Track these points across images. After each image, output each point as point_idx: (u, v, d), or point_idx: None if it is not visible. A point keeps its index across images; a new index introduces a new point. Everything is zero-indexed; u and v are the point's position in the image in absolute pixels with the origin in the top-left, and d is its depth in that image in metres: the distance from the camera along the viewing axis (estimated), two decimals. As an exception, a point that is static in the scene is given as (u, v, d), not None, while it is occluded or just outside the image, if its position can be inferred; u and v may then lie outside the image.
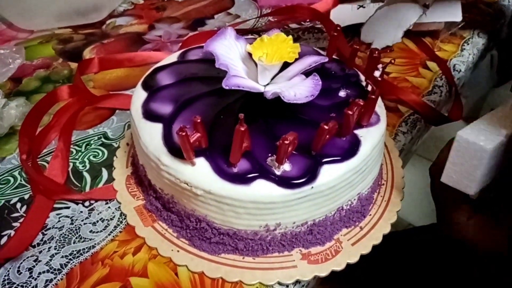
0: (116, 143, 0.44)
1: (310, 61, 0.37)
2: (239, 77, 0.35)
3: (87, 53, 0.57)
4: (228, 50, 0.37)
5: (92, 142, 0.44)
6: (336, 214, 0.35)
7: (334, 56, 0.43)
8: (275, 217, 0.32)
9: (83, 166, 0.42)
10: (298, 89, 0.34)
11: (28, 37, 0.60)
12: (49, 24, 0.62)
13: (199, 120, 0.30)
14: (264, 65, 0.35)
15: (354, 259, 0.35)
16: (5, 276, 0.33)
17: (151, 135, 0.34)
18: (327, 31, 0.62)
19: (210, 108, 0.36)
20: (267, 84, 0.37)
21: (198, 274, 0.33)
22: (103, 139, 0.45)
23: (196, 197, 0.32)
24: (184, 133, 0.29)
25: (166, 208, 0.36)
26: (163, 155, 0.33)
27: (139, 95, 0.38)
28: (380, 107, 0.38)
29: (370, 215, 0.38)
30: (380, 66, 0.37)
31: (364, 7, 0.63)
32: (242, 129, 0.29)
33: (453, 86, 0.54)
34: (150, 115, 0.36)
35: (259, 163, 0.32)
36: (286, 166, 0.32)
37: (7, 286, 0.32)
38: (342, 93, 0.39)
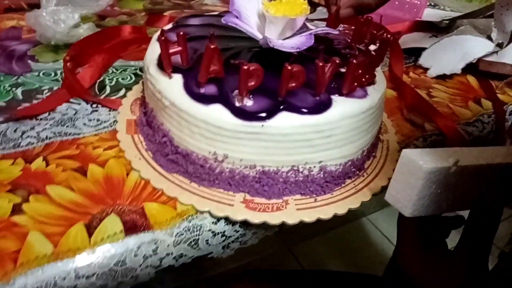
0: (145, 76, 0.49)
1: (319, 29, 0.38)
2: (240, 20, 0.37)
3: (166, 14, 0.65)
4: (247, 1, 0.40)
5: (128, 69, 0.50)
6: (290, 173, 0.35)
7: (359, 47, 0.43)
8: (223, 146, 0.33)
9: (110, 81, 0.48)
10: (289, 41, 0.35)
11: (130, -6, 0.71)
12: (152, -11, 0.72)
13: (181, 34, 0.33)
14: (270, 16, 0.37)
15: (291, 221, 0.33)
16: (2, 130, 0.39)
17: (154, 52, 0.38)
18: (390, 48, 0.61)
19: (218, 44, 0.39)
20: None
21: (144, 181, 0.36)
22: (138, 71, 0.50)
23: (164, 108, 0.35)
24: (163, 38, 0.33)
25: (147, 123, 0.39)
26: (152, 65, 0.37)
27: (167, 26, 0.43)
28: (375, 90, 0.36)
29: (332, 194, 0.36)
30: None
31: (437, 37, 0.61)
32: (212, 46, 0.31)
33: (501, 128, 0.49)
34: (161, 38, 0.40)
35: (225, 92, 0.33)
36: (249, 102, 0.33)
37: (1, 137, 0.38)
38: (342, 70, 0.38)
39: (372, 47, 0.38)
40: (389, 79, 0.55)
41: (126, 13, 0.64)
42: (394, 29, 0.64)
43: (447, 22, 0.65)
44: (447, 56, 0.56)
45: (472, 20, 0.64)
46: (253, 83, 0.32)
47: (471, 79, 0.57)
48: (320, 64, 0.31)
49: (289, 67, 0.31)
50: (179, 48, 0.34)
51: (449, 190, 0.31)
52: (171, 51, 0.33)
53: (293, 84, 0.32)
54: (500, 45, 0.56)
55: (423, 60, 0.58)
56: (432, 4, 0.83)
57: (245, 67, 0.30)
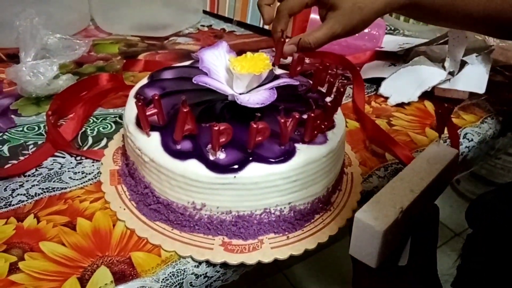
0: (125, 123, 0.52)
1: (281, 81, 0.42)
2: (210, 78, 0.41)
3: (141, 57, 0.68)
4: (215, 58, 0.44)
5: (108, 118, 0.53)
6: (263, 215, 0.38)
7: (320, 89, 0.47)
8: (200, 197, 0.37)
9: (91, 132, 0.51)
10: (254, 96, 0.39)
11: (105, 37, 0.74)
12: (125, 31, 0.76)
13: (157, 97, 0.37)
14: (236, 73, 0.41)
15: (266, 259, 0.37)
16: (-6, 189, 0.42)
17: (131, 110, 0.42)
18: (352, 79, 0.66)
19: (190, 99, 0.42)
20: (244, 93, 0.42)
21: (130, 231, 0.39)
22: (117, 118, 0.54)
23: (145, 163, 0.38)
24: (140, 103, 0.36)
25: (130, 174, 0.43)
26: (131, 124, 0.40)
27: (142, 82, 0.46)
28: (334, 134, 0.41)
29: (303, 230, 0.40)
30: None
31: (395, 65, 0.66)
32: (185, 110, 0.35)
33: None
34: (138, 96, 0.43)
35: (200, 147, 0.37)
36: (221, 155, 0.37)
37: (-8, 196, 0.41)
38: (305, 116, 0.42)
39: (328, 99, 0.42)
40: (352, 110, 0.59)
41: (103, 58, 0.67)
42: (357, 59, 0.69)
43: (404, 50, 0.70)
44: (405, 85, 0.61)
45: (429, 46, 0.69)
46: (223, 139, 0.35)
47: (428, 104, 0.62)
48: (282, 120, 0.35)
49: (254, 125, 0.35)
50: (155, 111, 0.37)
51: (399, 228, 0.35)
52: (148, 113, 0.37)
53: (260, 138, 0.36)
54: (451, 73, 0.61)
55: (383, 90, 0.62)
56: (392, 28, 0.89)
57: (216, 128, 0.34)
